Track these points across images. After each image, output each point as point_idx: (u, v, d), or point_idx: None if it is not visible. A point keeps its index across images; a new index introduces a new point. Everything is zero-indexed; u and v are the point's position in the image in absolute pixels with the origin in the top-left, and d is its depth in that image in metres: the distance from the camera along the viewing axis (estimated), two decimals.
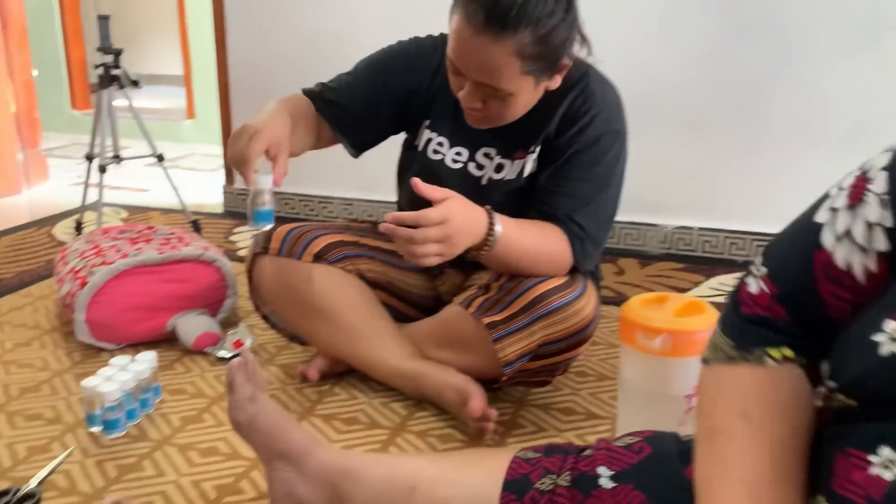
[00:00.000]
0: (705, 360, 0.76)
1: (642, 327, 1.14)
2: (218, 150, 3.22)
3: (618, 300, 1.94)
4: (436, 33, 1.40)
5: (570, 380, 1.50)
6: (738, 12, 2.15)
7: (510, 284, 1.29)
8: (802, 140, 2.18)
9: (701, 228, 2.31)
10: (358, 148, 1.44)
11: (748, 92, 2.19)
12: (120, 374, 1.32)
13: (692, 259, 2.29)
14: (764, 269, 0.71)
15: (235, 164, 1.21)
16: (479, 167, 1.36)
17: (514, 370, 1.28)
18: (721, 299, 1.94)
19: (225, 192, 2.83)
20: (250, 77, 2.66)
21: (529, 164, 1.32)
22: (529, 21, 1.12)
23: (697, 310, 1.18)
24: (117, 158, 2.36)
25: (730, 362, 0.69)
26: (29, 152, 3.11)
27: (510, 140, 1.33)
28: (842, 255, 0.66)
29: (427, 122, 1.39)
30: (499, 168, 1.35)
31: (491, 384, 1.36)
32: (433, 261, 1.15)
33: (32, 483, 1.14)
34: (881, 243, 0.64)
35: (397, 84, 1.38)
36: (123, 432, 1.29)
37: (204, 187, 3.29)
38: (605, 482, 0.84)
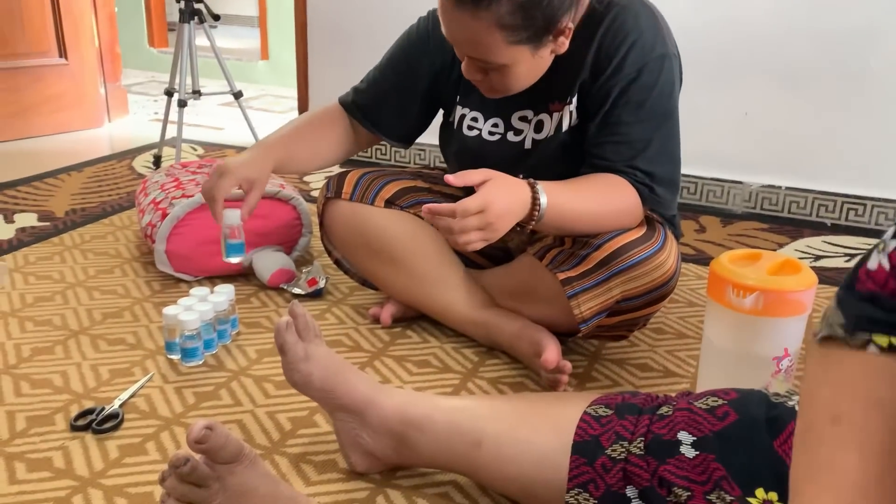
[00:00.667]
0: (815, 334, 0.67)
1: (733, 284, 1.08)
2: (292, 91, 3.24)
3: (698, 258, 1.87)
4: None
5: (647, 336, 1.46)
6: None
7: (585, 237, 1.23)
8: None
9: (788, 188, 2.20)
10: (404, 140, 1.45)
11: (850, 43, 2.05)
12: (199, 305, 1.34)
13: (778, 219, 2.20)
14: (893, 244, 0.56)
15: (206, 200, 1.31)
16: (518, 132, 1.30)
17: (591, 327, 1.24)
18: (807, 262, 1.86)
19: None
20: (328, 17, 2.63)
21: (567, 116, 1.25)
22: None
23: (793, 269, 1.12)
24: (197, 94, 2.38)
25: (835, 343, 0.57)
26: (110, 86, 3.17)
27: (544, 94, 1.26)
28: None
29: (458, 98, 1.36)
30: (538, 127, 1.28)
31: (566, 336, 1.33)
32: (476, 246, 1.10)
33: (115, 404, 1.17)
34: None
35: (422, 68, 1.34)
36: (201, 361, 1.32)
37: (276, 127, 3.31)
38: (687, 450, 0.79)
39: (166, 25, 4.83)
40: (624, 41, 1.18)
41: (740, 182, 2.25)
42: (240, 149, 2.80)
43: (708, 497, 0.76)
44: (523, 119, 1.30)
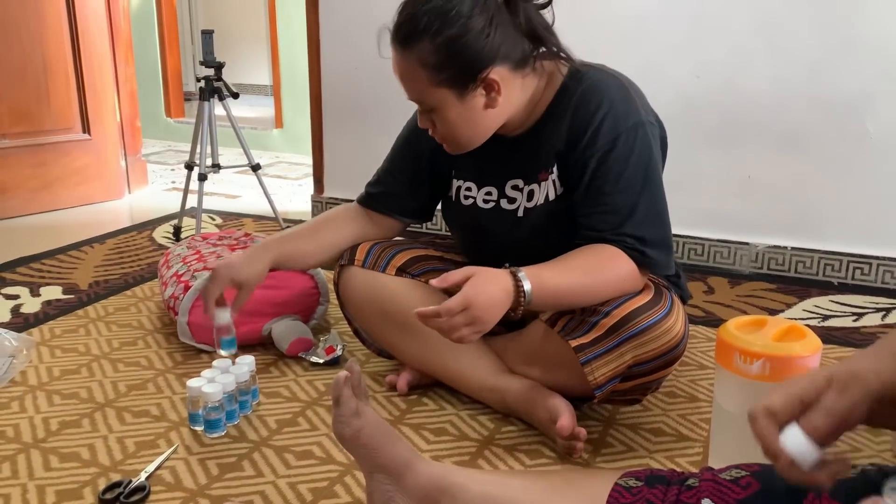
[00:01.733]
0: None
1: (740, 350, 1.12)
2: (305, 158, 3.33)
3: (707, 320, 1.90)
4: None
5: (660, 400, 1.48)
6: (840, 26, 2.09)
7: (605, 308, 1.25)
8: None
9: (794, 248, 2.25)
10: (421, 217, 1.55)
11: (849, 108, 2.12)
12: (222, 376, 1.38)
13: (785, 279, 2.23)
14: None
15: (202, 300, 1.43)
16: (511, 201, 1.37)
17: (606, 392, 1.26)
18: (815, 322, 1.88)
19: (313, 202, 2.91)
20: (342, 86, 2.73)
21: (552, 185, 1.31)
22: (426, 32, 1.18)
23: (798, 335, 1.15)
24: (216, 167, 2.46)
25: None
26: (131, 159, 3.27)
27: (530, 165, 1.33)
28: None
29: (454, 172, 1.44)
30: (530, 196, 1.34)
31: (580, 401, 1.36)
32: (471, 339, 1.17)
33: (142, 477, 1.20)
34: None
35: (421, 149, 1.44)
36: (224, 432, 1.35)
37: (290, 195, 3.40)
38: None
39: (183, 96, 4.99)
40: (596, 113, 1.24)
41: (747, 243, 2.30)
42: (256, 217, 2.87)
43: None
44: (515, 188, 1.36)
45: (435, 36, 1.18)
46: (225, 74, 2.40)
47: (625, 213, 1.24)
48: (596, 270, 1.23)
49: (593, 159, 1.24)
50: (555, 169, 1.30)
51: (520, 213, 1.36)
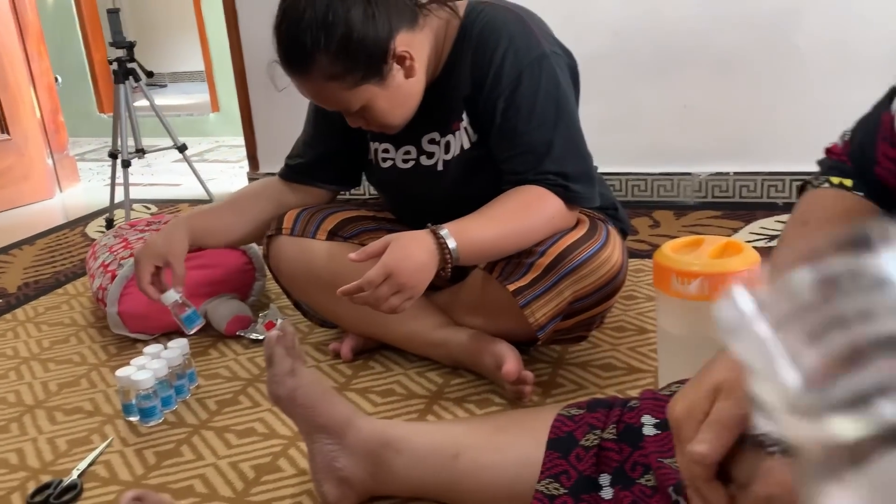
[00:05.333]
0: (799, 188, 0.86)
1: (676, 272, 1.09)
2: (242, 140, 3.24)
3: (654, 253, 1.88)
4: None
5: (608, 335, 1.45)
6: None
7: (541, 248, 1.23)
8: (838, 70, 2.07)
9: (736, 173, 2.23)
10: (347, 183, 1.49)
11: (777, 26, 2.09)
12: (152, 363, 1.31)
13: (730, 205, 2.21)
14: (848, 130, 0.83)
15: (141, 292, 1.39)
16: (430, 156, 1.32)
17: (548, 333, 1.24)
18: (762, 243, 1.87)
19: (249, 179, 2.82)
20: (265, 59, 2.62)
21: (465, 132, 1.27)
22: (316, 48, 1.11)
23: (735, 250, 1.13)
24: (140, 152, 2.37)
25: (808, 187, 0.82)
26: (58, 156, 3.14)
27: (442, 115, 1.28)
28: None
29: (369, 135, 1.38)
30: (447, 147, 1.30)
31: (527, 346, 1.32)
32: (404, 307, 1.13)
33: (74, 475, 1.14)
34: None
35: (335, 118, 1.34)
36: (160, 419, 1.29)
37: (231, 178, 3.30)
38: (649, 430, 0.81)
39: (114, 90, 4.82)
40: (496, 51, 1.20)
41: (689, 173, 2.27)
42: (194, 202, 2.78)
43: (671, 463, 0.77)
44: (433, 141, 1.31)
45: (327, 48, 1.11)
46: (160, 63, 2.30)
47: (542, 150, 1.20)
48: (522, 214, 1.19)
49: (500, 100, 1.20)
50: (465, 115, 1.26)
51: (440, 167, 1.31)
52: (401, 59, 1.17)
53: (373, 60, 1.14)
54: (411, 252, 1.12)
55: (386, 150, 1.36)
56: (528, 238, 1.20)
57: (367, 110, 1.19)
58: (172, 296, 1.39)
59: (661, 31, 2.18)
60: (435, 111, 1.27)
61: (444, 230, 1.14)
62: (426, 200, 1.36)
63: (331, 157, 1.44)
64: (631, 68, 2.23)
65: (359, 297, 1.13)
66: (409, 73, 1.19)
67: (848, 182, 0.78)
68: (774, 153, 2.18)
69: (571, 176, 1.21)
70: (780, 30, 2.09)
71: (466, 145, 1.27)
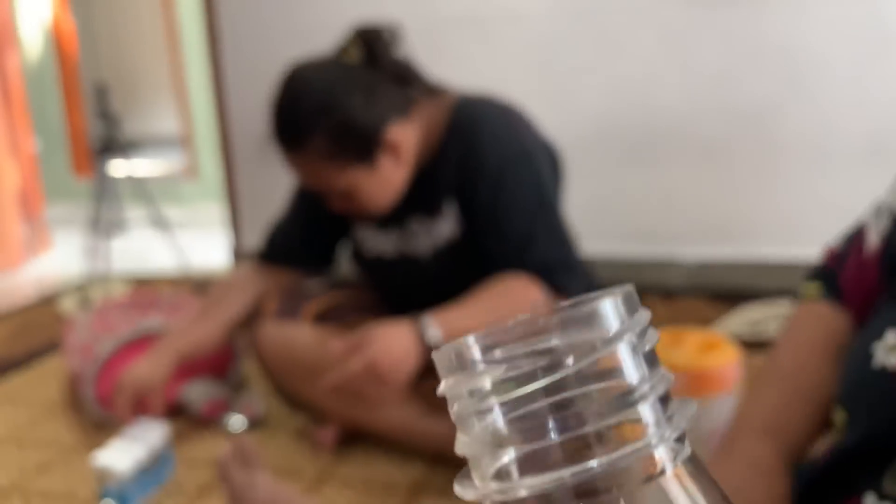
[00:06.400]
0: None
1: None
2: (220, 207, 3.25)
3: None
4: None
5: None
6: (739, 35, 2.15)
7: None
8: (817, 162, 2.16)
9: (722, 258, 2.28)
10: (325, 264, 1.50)
11: (759, 115, 2.18)
12: (131, 446, 1.29)
13: (715, 290, 2.25)
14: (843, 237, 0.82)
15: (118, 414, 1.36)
16: (415, 238, 1.35)
17: None
18: (749, 329, 1.91)
19: (231, 250, 2.82)
20: (253, 127, 2.66)
21: (452, 220, 1.31)
22: (315, 128, 1.16)
23: (715, 345, 1.16)
24: (120, 225, 2.37)
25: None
26: (32, 224, 3.12)
27: (427, 200, 1.32)
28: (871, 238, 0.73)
29: (354, 221, 1.41)
30: (432, 231, 1.34)
31: None
32: (387, 397, 1.21)
33: None
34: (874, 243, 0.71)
35: (310, 199, 1.39)
36: None
37: (209, 245, 3.29)
38: None
39: (90, 154, 4.82)
40: (481, 146, 1.25)
41: (675, 257, 2.32)
42: (170, 277, 2.76)
43: None
44: (420, 223, 1.34)
45: (324, 129, 1.16)
46: (134, 125, 2.32)
47: (524, 241, 1.24)
48: (504, 303, 1.23)
49: (484, 192, 1.25)
50: (452, 203, 1.30)
51: (424, 257, 1.34)
52: (391, 148, 1.21)
53: (365, 146, 1.19)
54: (392, 345, 1.14)
55: (373, 238, 1.39)
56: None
57: (353, 193, 1.22)
58: (154, 434, 1.34)
59: (647, 118, 2.26)
60: (422, 196, 1.31)
61: (427, 319, 1.16)
62: (410, 289, 1.38)
63: (313, 239, 1.46)
64: (616, 152, 2.31)
65: (341, 388, 1.15)
66: (397, 161, 1.23)
67: (818, 288, 0.79)
68: (760, 238, 2.25)
69: (552, 266, 1.25)
70: (763, 121, 2.18)
71: (451, 233, 1.31)
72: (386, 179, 1.24)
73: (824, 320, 0.78)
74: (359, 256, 1.43)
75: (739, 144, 2.22)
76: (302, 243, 1.46)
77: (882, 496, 0.59)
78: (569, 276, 1.28)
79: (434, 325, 1.16)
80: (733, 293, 2.22)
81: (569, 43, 2.27)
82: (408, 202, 1.31)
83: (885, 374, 0.59)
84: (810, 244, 2.26)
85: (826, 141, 2.15)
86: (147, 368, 1.38)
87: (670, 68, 2.22)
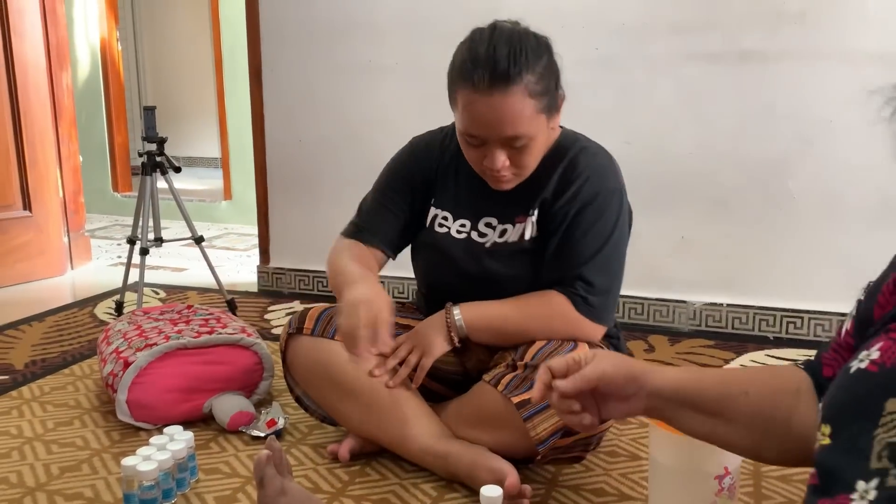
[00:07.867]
0: None
1: None
2: (254, 229, 3.34)
3: None
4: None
5: (601, 460, 1.49)
6: (756, 95, 2.21)
7: (536, 361, 1.31)
8: (828, 216, 2.20)
9: (730, 304, 2.32)
10: (397, 250, 1.55)
11: (771, 170, 2.23)
12: (158, 454, 1.35)
13: (722, 336, 2.29)
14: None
15: (346, 340, 1.25)
16: (482, 235, 1.45)
17: (548, 448, 1.29)
18: None
19: (259, 272, 2.90)
20: (286, 158, 2.77)
21: (529, 227, 1.41)
22: (526, 68, 1.24)
23: None
24: (159, 241, 2.45)
25: None
26: (73, 235, 3.23)
27: (510, 207, 1.42)
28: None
29: (433, 201, 1.51)
30: (502, 233, 1.44)
31: (524, 463, 1.36)
32: (419, 363, 1.39)
33: None
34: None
35: (409, 182, 1.50)
36: None
37: (238, 266, 3.38)
38: None
39: (130, 171, 4.97)
40: (582, 173, 1.37)
41: (684, 301, 2.36)
42: (200, 290, 2.85)
43: None
44: (488, 225, 1.44)
45: (539, 67, 1.26)
46: (175, 147, 2.42)
47: (585, 257, 1.36)
48: (526, 303, 1.37)
49: (573, 210, 1.36)
50: (536, 213, 1.40)
51: (487, 245, 1.44)
52: (558, 109, 1.34)
53: (554, 98, 1.31)
54: (427, 325, 1.42)
55: (445, 219, 1.48)
56: (527, 325, 1.37)
57: (526, 146, 1.29)
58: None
59: (662, 165, 2.32)
60: (503, 201, 1.41)
61: (455, 307, 1.40)
62: (462, 273, 1.45)
63: (398, 222, 1.51)
64: (631, 199, 2.34)
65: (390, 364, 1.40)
66: (554, 126, 1.37)
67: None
68: (767, 289, 2.28)
69: (595, 288, 1.35)
70: (775, 174, 2.23)
71: (526, 236, 1.41)
72: (545, 143, 1.36)
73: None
74: (427, 233, 1.50)
75: (752, 196, 2.27)
76: (390, 224, 1.51)
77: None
78: (603, 302, 1.37)
79: (460, 311, 1.38)
80: (739, 339, 2.24)
81: (591, 90, 2.33)
82: (487, 200, 1.42)
83: (862, 372, 0.64)
84: (816, 299, 2.30)
85: (837, 196, 2.19)
86: (374, 303, 1.25)
87: (686, 122, 2.29)
